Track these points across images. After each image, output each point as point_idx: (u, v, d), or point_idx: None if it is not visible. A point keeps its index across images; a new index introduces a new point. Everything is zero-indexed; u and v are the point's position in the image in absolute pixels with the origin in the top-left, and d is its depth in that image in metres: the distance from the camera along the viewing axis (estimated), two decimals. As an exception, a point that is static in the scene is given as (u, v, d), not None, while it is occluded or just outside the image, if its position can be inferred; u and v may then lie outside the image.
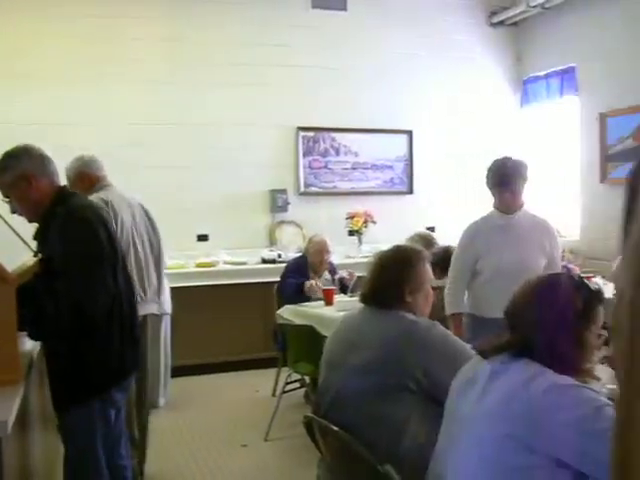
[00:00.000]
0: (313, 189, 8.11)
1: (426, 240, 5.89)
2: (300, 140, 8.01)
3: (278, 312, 5.78)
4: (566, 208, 8.25)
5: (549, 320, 1.97)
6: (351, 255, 7.80)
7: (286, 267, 6.21)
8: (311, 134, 8.06)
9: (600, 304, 2.07)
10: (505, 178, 4.09)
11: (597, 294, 2.07)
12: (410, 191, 8.41)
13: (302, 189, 8.04)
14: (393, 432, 2.49)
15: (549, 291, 2.04)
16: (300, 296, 5.78)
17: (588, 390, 1.87)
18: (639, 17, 7.08)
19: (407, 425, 2.49)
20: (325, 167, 8.14)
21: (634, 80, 7.21)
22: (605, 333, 2.08)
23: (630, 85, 7.27)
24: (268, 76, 7.80)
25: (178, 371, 6.58)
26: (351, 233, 7.99)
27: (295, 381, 5.73)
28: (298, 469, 4.55)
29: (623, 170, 7.36)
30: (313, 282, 5.81)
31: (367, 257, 7.07)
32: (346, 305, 4.92)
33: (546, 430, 1.79)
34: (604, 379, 2.92)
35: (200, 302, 6.88)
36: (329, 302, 5.56)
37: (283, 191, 7.88)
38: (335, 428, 2.50)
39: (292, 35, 7.90)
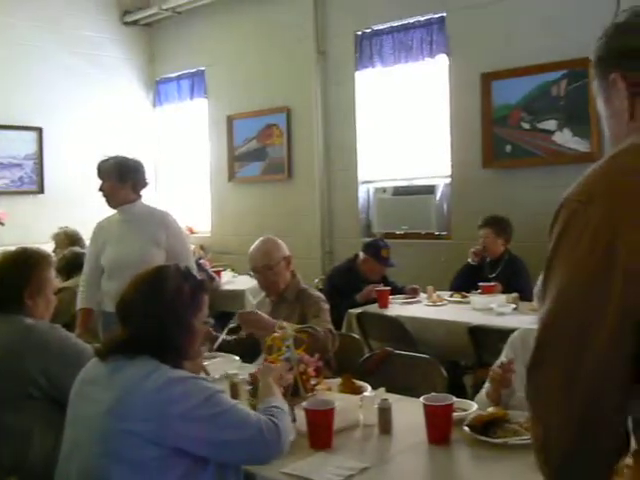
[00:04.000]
0: None
1: (71, 238, 5.77)
2: None
3: None
4: (198, 206, 8.58)
5: (159, 310, 2.03)
6: (-23, 259, 7.24)
7: None
8: None
9: (205, 292, 2.18)
10: (98, 172, 4.20)
11: (202, 283, 2.19)
12: (41, 190, 8.06)
13: None
14: (18, 442, 2.39)
15: (157, 282, 2.09)
16: None
17: (200, 381, 1.99)
18: (265, 25, 7.61)
19: (32, 433, 2.41)
20: (-54, 166, 7.45)
21: (256, 85, 7.74)
22: (210, 320, 2.22)
23: (253, 90, 7.78)
24: None
25: None
26: (-24, 235, 7.41)
27: None
28: None
29: (248, 169, 7.88)
30: None
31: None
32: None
33: (164, 423, 1.86)
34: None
35: None
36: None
37: None
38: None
39: None
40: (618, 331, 1.09)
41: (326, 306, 3.53)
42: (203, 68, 8.36)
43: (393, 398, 2.56)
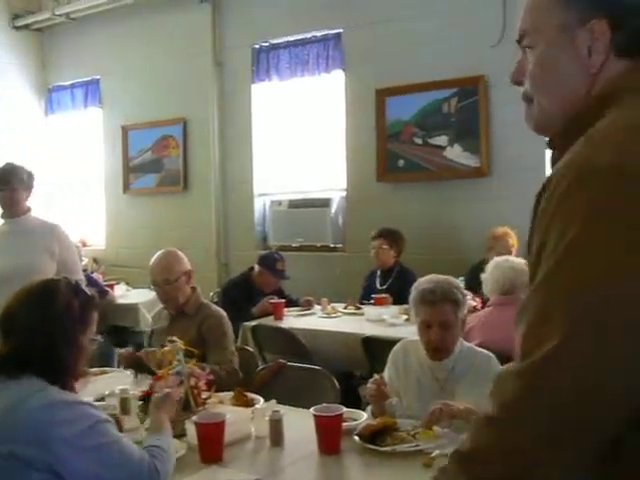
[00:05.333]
0: None
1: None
2: None
3: None
4: (92, 217, 8.39)
5: (46, 325, 1.96)
6: None
7: None
8: None
9: (95, 309, 2.12)
10: (4, 176, 4.03)
11: (92, 299, 2.13)
12: None
13: None
14: None
15: (46, 295, 2.03)
16: None
17: (87, 407, 1.92)
18: (163, 36, 7.54)
19: None
20: None
21: (152, 96, 7.64)
22: (98, 338, 2.17)
23: (149, 101, 7.69)
24: None
25: None
26: None
27: None
28: None
29: (143, 181, 7.77)
30: None
31: None
32: None
33: (47, 447, 1.79)
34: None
35: None
36: None
37: None
38: None
39: None
40: None
41: (229, 329, 3.52)
42: (98, 77, 8.20)
43: (284, 410, 2.58)
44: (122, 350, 3.34)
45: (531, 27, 1.18)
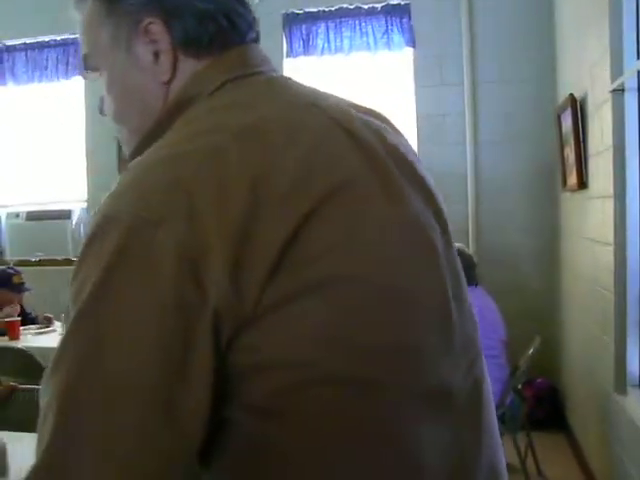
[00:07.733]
0: None
1: None
2: None
3: None
4: None
5: None
6: None
7: None
8: None
9: None
10: None
11: None
12: None
13: None
14: None
15: None
16: None
17: None
18: None
19: None
20: None
21: None
22: None
23: None
24: None
25: None
26: None
27: None
28: None
29: None
30: None
31: None
32: None
33: None
34: None
35: None
36: None
37: None
38: None
39: None
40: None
41: None
42: None
43: (13, 437, 2.45)
44: None
45: (90, 48, 1.01)
